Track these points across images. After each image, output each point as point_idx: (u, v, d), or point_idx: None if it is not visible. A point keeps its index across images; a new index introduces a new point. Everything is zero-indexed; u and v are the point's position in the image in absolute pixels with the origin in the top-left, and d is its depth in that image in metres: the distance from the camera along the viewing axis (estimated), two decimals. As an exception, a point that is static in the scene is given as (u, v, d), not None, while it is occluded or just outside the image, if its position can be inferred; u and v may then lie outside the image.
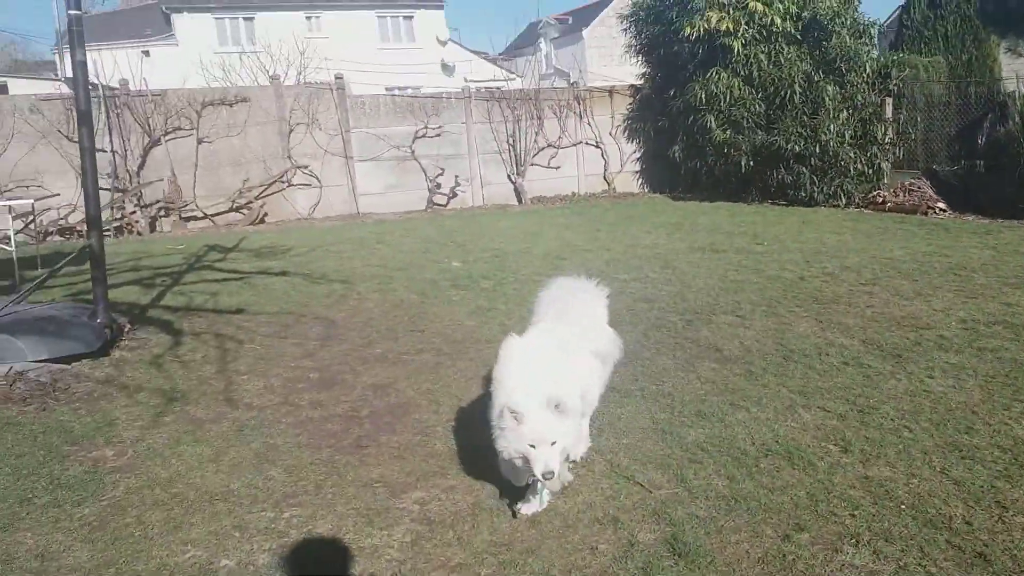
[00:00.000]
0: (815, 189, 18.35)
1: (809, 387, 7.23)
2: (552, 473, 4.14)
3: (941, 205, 16.78)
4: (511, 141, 21.13)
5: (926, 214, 16.56)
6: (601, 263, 12.84)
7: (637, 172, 23.18)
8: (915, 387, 7.11)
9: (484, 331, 9.23)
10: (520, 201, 20.92)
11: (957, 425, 6.27)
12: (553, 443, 4.19)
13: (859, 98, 18.27)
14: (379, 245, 14.92)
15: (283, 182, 19.47)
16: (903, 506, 5.09)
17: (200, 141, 18.78)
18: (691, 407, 6.81)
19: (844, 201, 18.14)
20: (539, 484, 4.53)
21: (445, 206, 20.27)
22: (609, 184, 22.62)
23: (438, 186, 20.16)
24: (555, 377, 4.53)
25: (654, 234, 15.63)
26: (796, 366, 7.78)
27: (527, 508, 4.77)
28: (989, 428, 6.20)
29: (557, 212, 19.26)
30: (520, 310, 9.94)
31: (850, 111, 18.16)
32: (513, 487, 4.99)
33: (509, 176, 21.17)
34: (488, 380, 5.32)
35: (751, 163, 18.88)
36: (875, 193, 18.04)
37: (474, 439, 6.27)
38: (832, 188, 18.18)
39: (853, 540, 4.69)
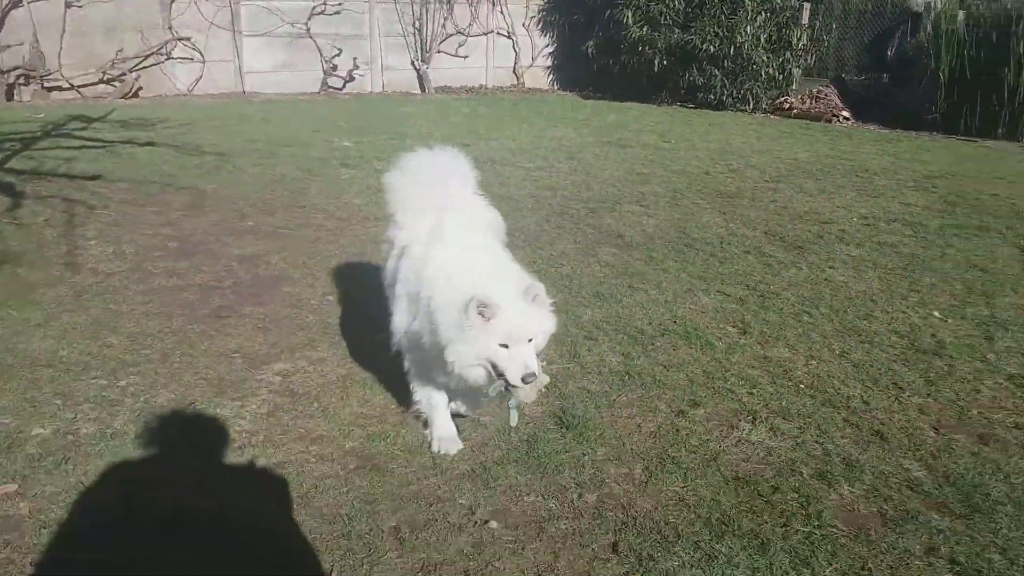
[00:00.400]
0: (725, 92, 18.02)
1: (710, 273, 6.94)
2: (533, 375, 3.29)
3: (845, 114, 16.78)
4: (417, 25, 19.74)
5: (830, 122, 16.54)
6: (505, 152, 12.17)
7: (548, 68, 22.24)
8: (816, 276, 6.93)
9: (373, 210, 8.50)
10: (424, 90, 19.72)
11: (856, 312, 6.10)
12: (530, 340, 3.37)
13: (777, 1, 17.86)
14: (264, 122, 13.70)
15: (161, 55, 17.61)
16: (801, 386, 4.85)
17: (68, 5, 16.71)
18: (589, 289, 6.42)
19: (752, 105, 17.91)
20: (510, 396, 3.49)
21: (341, 89, 18.85)
22: (518, 78, 21.63)
23: (334, 68, 18.71)
24: (510, 265, 3.80)
25: (561, 128, 15.01)
26: (697, 253, 7.47)
27: (512, 420, 3.73)
28: (887, 315, 6.05)
29: (462, 102, 18.28)
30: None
31: (768, 14, 17.74)
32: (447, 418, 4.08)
33: (413, 62, 19.85)
34: (394, 278, 4.17)
35: (664, 62, 18.32)
36: (782, 99, 17.89)
37: (354, 314, 5.70)
38: (741, 92, 17.89)
39: (750, 417, 4.41)
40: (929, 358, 5.26)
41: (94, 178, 8.96)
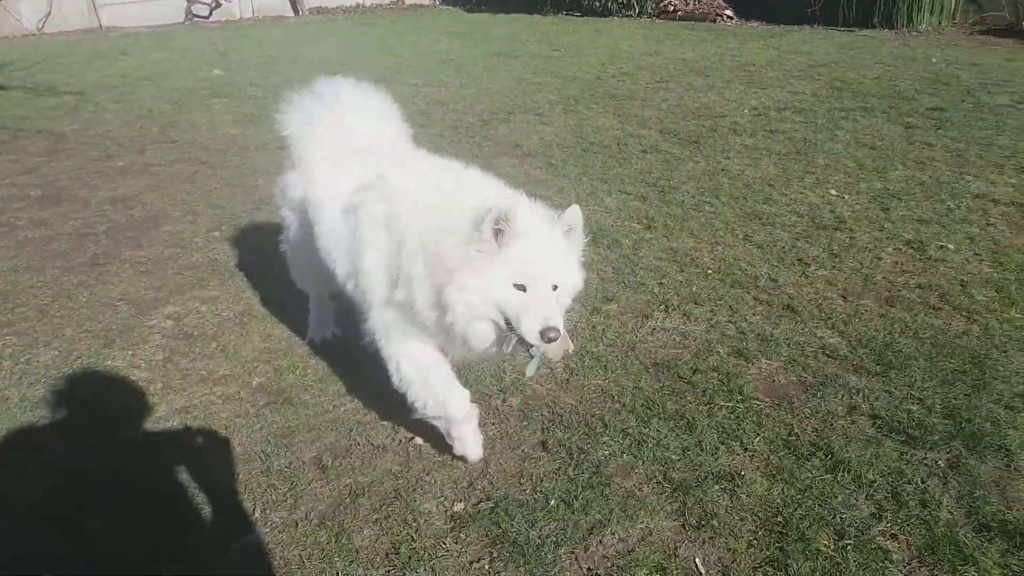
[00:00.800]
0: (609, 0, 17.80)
1: (610, 174, 6.85)
2: (556, 331, 2.48)
3: (728, 12, 16.85)
4: (282, -55, 18.58)
5: (714, 21, 16.59)
6: (388, 69, 11.64)
7: (427, -16, 21.45)
8: (713, 167, 6.94)
9: (253, 138, 7.99)
10: (297, 12, 18.62)
11: (755, 197, 6.15)
12: (555, 287, 2.60)
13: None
14: (123, 57, 12.65)
15: (-1, -8, 16.01)
16: (709, 271, 4.86)
17: None
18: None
19: (636, 10, 17.76)
20: (532, 355, 2.66)
21: (207, 18, 17.56)
22: (399, -4, 20.79)
23: (198, -4, 17.43)
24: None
25: (446, 42, 14.50)
26: (596, 156, 7.36)
27: (530, 372, 2.84)
28: (785, 197, 6.13)
29: (339, 23, 17.40)
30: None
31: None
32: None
33: (282, -14, 18.71)
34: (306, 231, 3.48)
35: (546, -29, 17.92)
36: (666, 2, 17.80)
37: (244, 247, 5.35)
38: (625, -2, 17.72)
39: (662, 306, 4.38)
40: (830, 233, 5.37)
41: (-69, 129, 8.07)
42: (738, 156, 7.24)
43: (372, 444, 3.26)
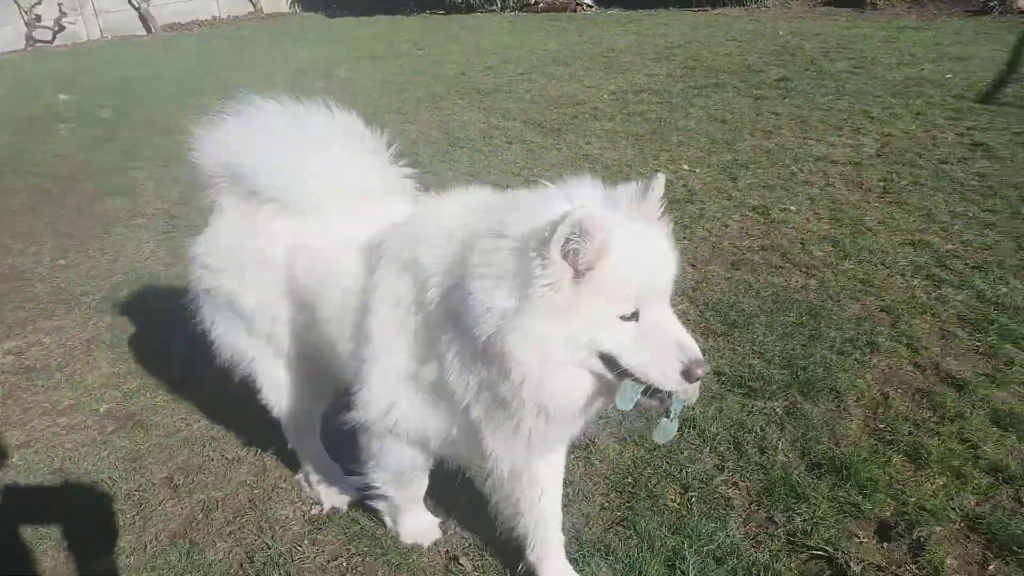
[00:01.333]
0: (472, -4, 17.93)
1: (476, 167, 6.91)
2: (703, 362, 1.78)
3: (588, 2, 17.25)
4: (128, -41, 17.78)
5: (575, 11, 16.96)
6: (251, 81, 11.34)
7: (288, -9, 20.99)
8: (574, 153, 7.10)
9: (103, 162, 7.64)
10: (149, 30, 17.82)
11: (612, 178, 6.24)
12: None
13: None
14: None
15: None
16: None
17: None
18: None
19: (499, 6, 17.95)
20: (673, 410, 1.86)
21: (51, 42, 16.65)
22: (255, 4, 20.19)
23: (38, 19, 16.42)
24: None
25: (310, 49, 14.25)
26: (463, 151, 7.40)
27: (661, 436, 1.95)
28: (641, 176, 6.26)
29: (195, 38, 16.81)
30: (150, 137, 8.40)
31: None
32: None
33: (131, 1, 17.87)
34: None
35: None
36: (528, -4, 18.12)
37: (92, 274, 5.10)
38: (488, -6, 17.87)
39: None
40: (682, 205, 5.57)
41: None
42: (598, 140, 7.43)
43: (226, 458, 3.17)
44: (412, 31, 15.87)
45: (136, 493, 3.02)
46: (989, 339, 3.61)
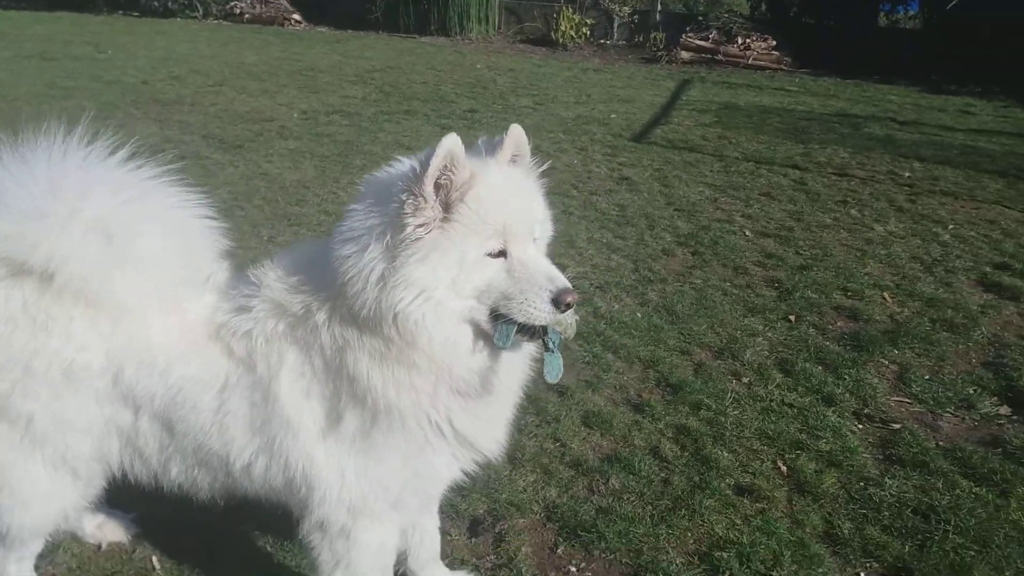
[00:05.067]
0: (172, 0, 16.84)
1: (140, 182, 6.47)
2: (571, 290, 1.80)
3: (297, 17, 17.05)
4: None
5: (283, 25, 16.66)
6: None
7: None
8: (252, 171, 6.91)
9: None
10: None
11: (289, 199, 6.24)
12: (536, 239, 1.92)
13: None
14: None
15: None
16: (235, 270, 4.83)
17: None
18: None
19: (202, 12, 17.08)
20: (551, 343, 1.87)
21: None
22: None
23: None
24: None
25: (-36, 43, 12.51)
26: (128, 164, 6.89)
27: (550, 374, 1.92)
28: (318, 198, 6.32)
29: None
30: None
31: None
32: None
33: None
34: None
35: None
36: (232, 4, 17.40)
37: None
38: None
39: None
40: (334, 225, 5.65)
41: None
42: (280, 159, 7.31)
43: None
44: (98, 32, 14.59)
45: None
46: (595, 349, 4.07)
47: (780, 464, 3.21)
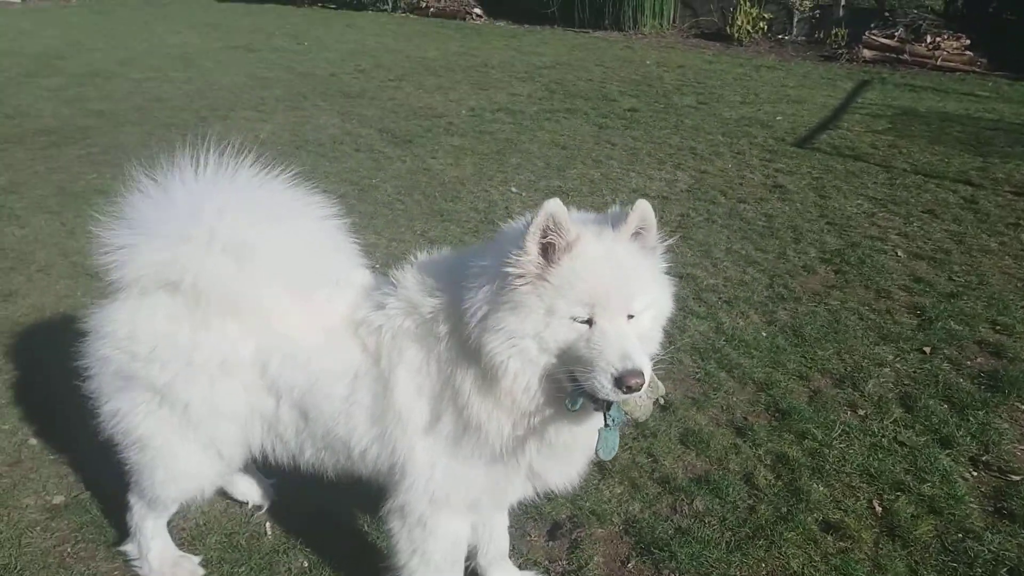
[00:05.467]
0: (365, -7, 18.04)
1: (317, 172, 7.08)
2: (640, 375, 1.86)
3: (477, 11, 17.67)
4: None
5: (464, 19, 17.33)
6: (112, 63, 11.18)
7: (176, -30, 20.49)
8: (417, 166, 7.42)
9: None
10: (25, -2, 17.22)
11: (445, 195, 6.68)
12: (630, 316, 1.99)
13: None
14: None
15: None
16: (376, 265, 5.27)
17: None
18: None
19: (391, 6, 18.13)
20: (611, 419, 1.99)
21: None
22: (143, -19, 19.68)
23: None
24: None
25: (185, 34, 14.09)
26: (307, 154, 7.61)
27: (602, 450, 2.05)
28: (472, 196, 6.71)
29: (71, 11, 16.32)
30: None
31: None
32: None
33: (5, -35, 17.13)
34: None
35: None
36: (420, -1, 18.36)
37: None
38: (382, -7, 18.03)
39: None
40: (497, 226, 5.97)
41: None
42: (444, 155, 7.78)
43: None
44: (298, 24, 15.88)
45: None
46: (708, 366, 4.16)
47: (876, 504, 3.19)
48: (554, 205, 1.87)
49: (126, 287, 2.32)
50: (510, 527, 2.98)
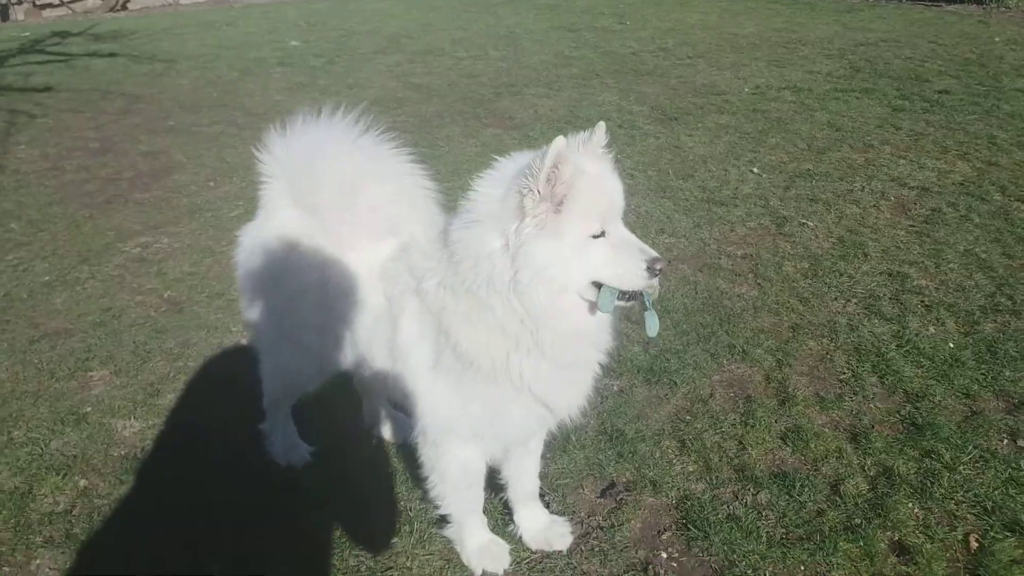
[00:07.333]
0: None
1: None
2: (661, 258, 2.20)
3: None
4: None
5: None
6: (446, 42, 12.66)
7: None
8: (668, 143, 7.47)
9: (289, 104, 9.25)
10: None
11: (679, 172, 6.67)
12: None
13: None
14: (227, 27, 14.42)
15: (148, -33, 18.34)
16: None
17: (55, -78, 17.35)
18: (451, 167, 7.09)
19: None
20: (648, 303, 2.26)
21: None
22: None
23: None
24: None
25: (523, 16, 15.30)
26: (575, 129, 8.02)
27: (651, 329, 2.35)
28: (709, 173, 6.63)
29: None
30: (338, 86, 9.93)
31: None
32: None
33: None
34: None
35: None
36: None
37: (228, 192, 6.57)
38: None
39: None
40: (711, 207, 5.90)
41: (44, 89, 9.92)
42: (702, 134, 7.71)
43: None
44: (630, 3, 16.34)
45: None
46: (861, 368, 3.82)
47: (973, 539, 2.79)
48: (560, 144, 2.06)
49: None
50: (568, 480, 3.20)
